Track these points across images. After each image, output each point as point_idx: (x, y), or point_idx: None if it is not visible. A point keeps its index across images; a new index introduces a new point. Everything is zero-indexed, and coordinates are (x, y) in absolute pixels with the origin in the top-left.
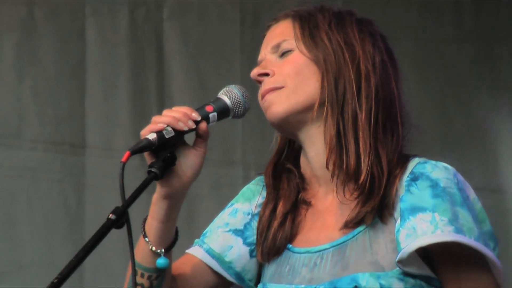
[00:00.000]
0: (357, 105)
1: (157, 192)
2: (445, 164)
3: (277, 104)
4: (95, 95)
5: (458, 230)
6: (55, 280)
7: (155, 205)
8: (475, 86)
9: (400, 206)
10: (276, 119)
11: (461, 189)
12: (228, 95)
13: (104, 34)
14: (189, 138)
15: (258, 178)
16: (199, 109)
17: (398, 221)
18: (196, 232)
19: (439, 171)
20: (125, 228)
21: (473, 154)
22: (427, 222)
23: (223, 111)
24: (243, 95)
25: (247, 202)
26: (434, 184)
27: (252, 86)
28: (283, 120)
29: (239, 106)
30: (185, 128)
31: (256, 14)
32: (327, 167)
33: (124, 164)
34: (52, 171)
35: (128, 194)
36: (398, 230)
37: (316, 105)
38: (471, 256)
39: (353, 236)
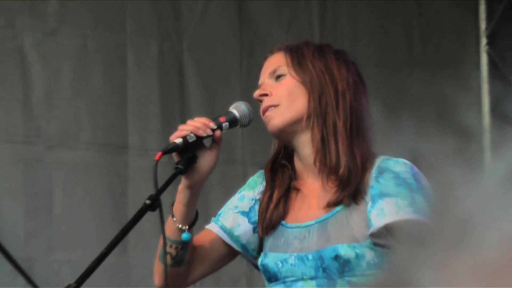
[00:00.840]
0: (336, 116)
1: (182, 183)
2: (404, 160)
3: (275, 119)
4: (134, 108)
5: (416, 211)
6: (104, 250)
7: (180, 193)
8: (423, 103)
9: (371, 192)
10: (275, 130)
11: (416, 179)
12: (237, 109)
13: (141, 61)
14: (206, 142)
15: (260, 171)
16: (214, 120)
17: (370, 204)
18: (208, 213)
19: (399, 165)
20: (158, 210)
21: (422, 160)
22: (393, 205)
23: (233, 122)
24: (248, 110)
25: (252, 190)
26: (396, 176)
27: (249, 101)
28: (280, 131)
29: (245, 118)
30: (204, 135)
31: (252, 47)
32: (315, 165)
33: (157, 162)
34: (102, 167)
35: (159, 184)
36: (370, 211)
37: (305, 117)
38: (425, 231)
39: (333, 215)
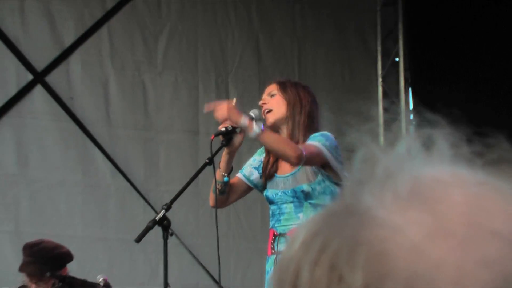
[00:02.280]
0: (301, 117)
1: (224, 151)
2: (324, 131)
3: (270, 118)
4: (202, 112)
5: (322, 146)
6: (185, 185)
7: (223, 157)
8: (340, 120)
9: None
10: (270, 124)
11: (323, 135)
12: (253, 113)
13: (206, 88)
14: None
15: (263, 147)
16: None
17: None
18: (239, 167)
19: (319, 134)
20: (212, 165)
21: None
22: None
23: (251, 119)
24: (259, 113)
25: (259, 156)
26: (313, 137)
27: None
28: (273, 124)
29: (257, 117)
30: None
31: (264, 82)
32: None
33: (212, 140)
34: (185, 143)
35: (213, 151)
36: None
37: (285, 117)
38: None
39: (298, 169)
